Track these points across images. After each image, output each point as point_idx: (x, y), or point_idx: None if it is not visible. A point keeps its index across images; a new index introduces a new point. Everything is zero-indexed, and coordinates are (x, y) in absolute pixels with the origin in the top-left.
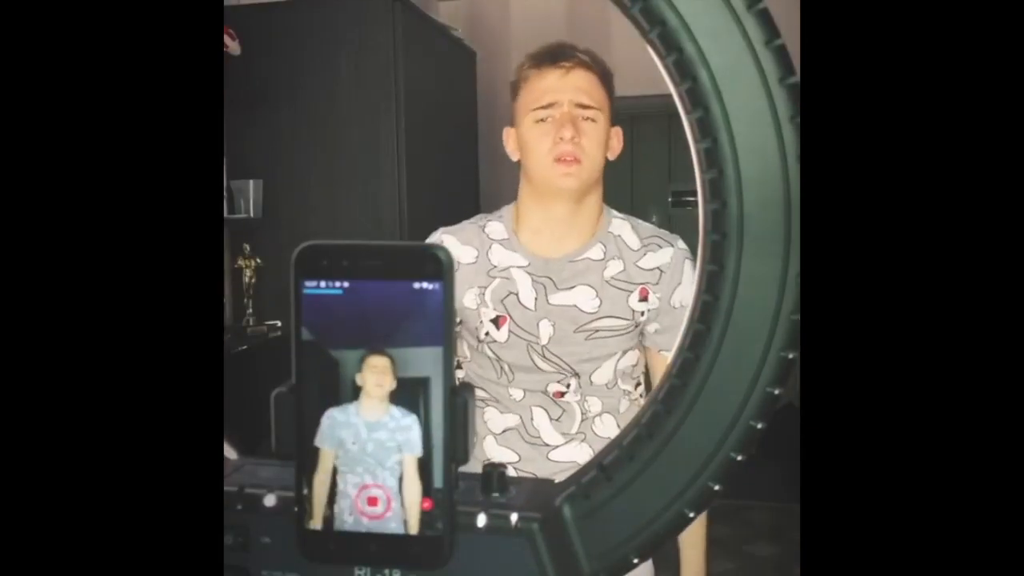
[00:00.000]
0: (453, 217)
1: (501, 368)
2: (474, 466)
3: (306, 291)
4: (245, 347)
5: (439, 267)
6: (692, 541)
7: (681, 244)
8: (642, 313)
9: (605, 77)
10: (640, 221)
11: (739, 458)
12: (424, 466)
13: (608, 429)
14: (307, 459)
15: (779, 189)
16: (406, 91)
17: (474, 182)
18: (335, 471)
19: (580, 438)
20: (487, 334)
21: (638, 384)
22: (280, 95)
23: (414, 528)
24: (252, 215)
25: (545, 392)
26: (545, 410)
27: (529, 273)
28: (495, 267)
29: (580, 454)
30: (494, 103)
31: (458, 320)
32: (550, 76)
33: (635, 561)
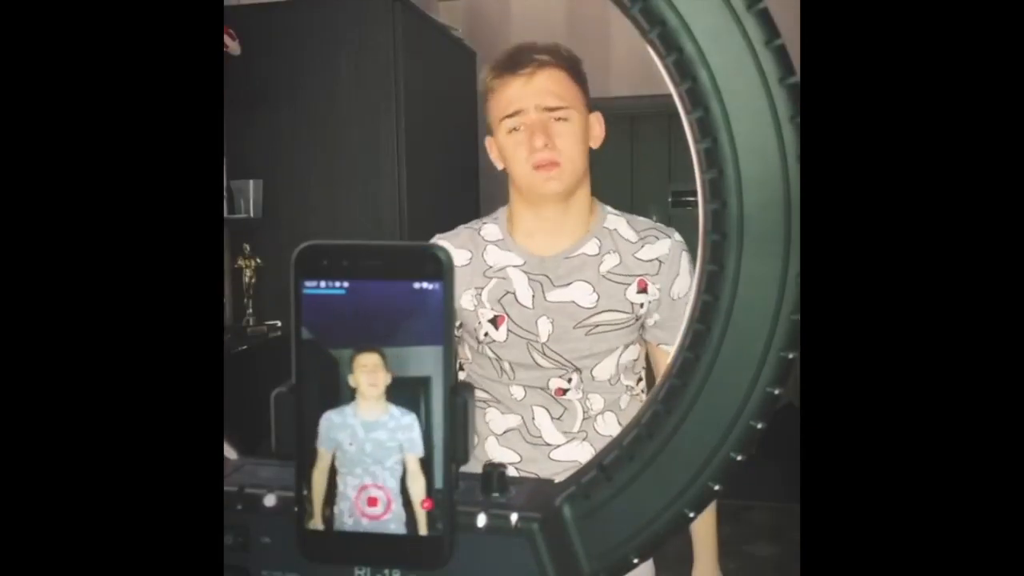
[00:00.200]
0: (453, 217)
1: (501, 367)
2: (475, 466)
3: (306, 291)
4: (245, 347)
5: (439, 267)
6: (704, 531)
7: (677, 236)
8: (641, 305)
9: (573, 69)
10: (635, 216)
11: (739, 458)
12: (424, 466)
13: (610, 427)
14: (307, 459)
15: (779, 189)
16: (406, 91)
17: (474, 182)
18: (335, 471)
19: (582, 437)
20: (486, 334)
21: (640, 379)
22: (280, 95)
23: (423, 528)
24: (252, 215)
25: (546, 389)
26: (546, 409)
27: (525, 272)
28: (491, 267)
29: (582, 453)
30: None
31: (458, 323)
32: (513, 84)
33: (635, 561)
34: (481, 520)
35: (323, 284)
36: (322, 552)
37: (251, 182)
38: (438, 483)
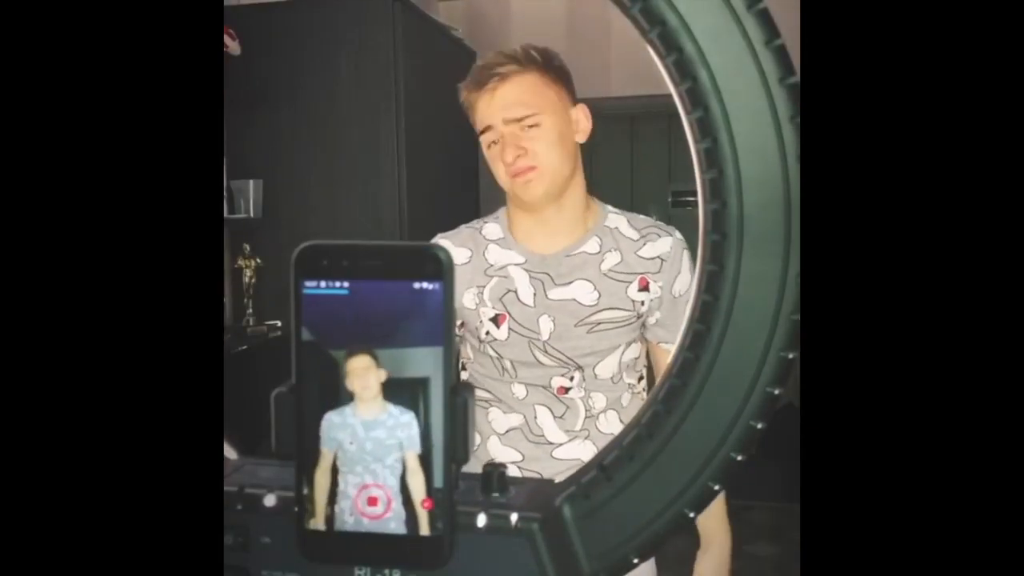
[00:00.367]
0: (453, 217)
1: (503, 366)
2: (477, 466)
3: (306, 291)
4: (245, 347)
5: (439, 267)
6: (716, 519)
7: (678, 234)
8: (642, 303)
9: (547, 69)
10: (635, 215)
11: (739, 458)
12: (424, 463)
13: (612, 426)
14: (307, 459)
15: (779, 189)
16: (406, 91)
17: (474, 182)
18: (336, 471)
19: (584, 435)
20: (487, 333)
21: (641, 377)
22: (280, 95)
23: (423, 528)
24: (252, 215)
25: (548, 388)
26: (548, 408)
27: (526, 270)
28: (492, 266)
29: (584, 451)
30: None
31: (460, 323)
32: (480, 101)
33: (635, 561)
34: (481, 520)
35: (323, 284)
36: (322, 552)
37: (251, 182)
38: (438, 482)
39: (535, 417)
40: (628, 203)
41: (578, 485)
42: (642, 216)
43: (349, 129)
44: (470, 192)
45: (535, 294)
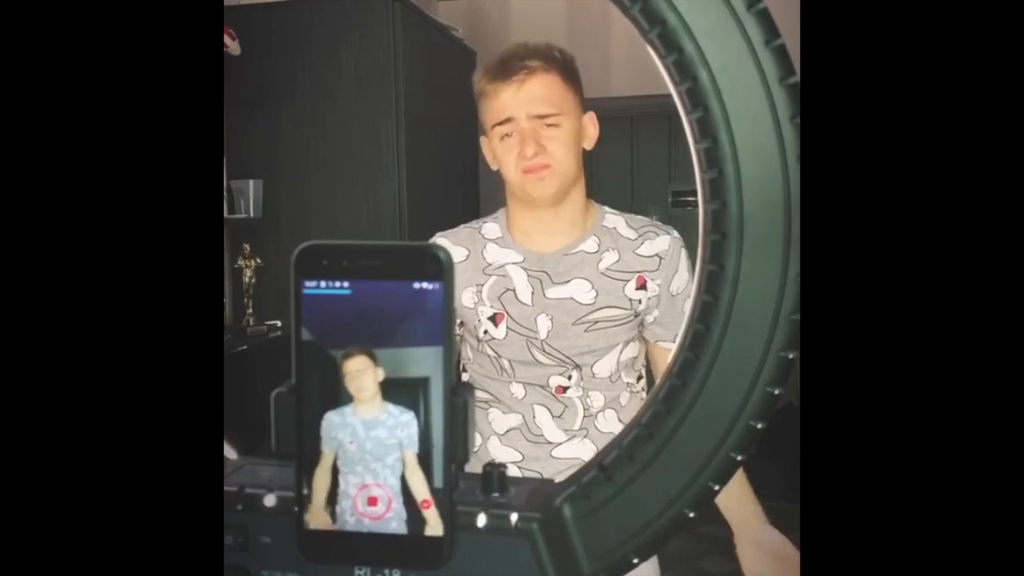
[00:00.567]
0: (453, 217)
1: (501, 365)
2: (477, 466)
3: (306, 291)
4: (245, 347)
5: (439, 267)
6: (739, 500)
7: (676, 233)
8: (640, 301)
9: (566, 71)
10: (632, 215)
11: (739, 458)
12: (423, 462)
13: (611, 425)
14: (307, 459)
15: (779, 189)
16: (406, 91)
17: (474, 182)
18: (336, 471)
19: (583, 434)
20: (486, 332)
21: (640, 376)
22: (280, 95)
23: (423, 527)
24: (252, 215)
25: (546, 387)
26: (547, 408)
27: (525, 269)
28: (490, 264)
29: (583, 450)
30: None
31: (459, 322)
32: (505, 92)
33: (635, 561)
34: (481, 520)
35: (323, 284)
36: (322, 552)
37: (251, 182)
38: (438, 482)
39: (534, 417)
40: (628, 203)
41: (578, 485)
42: (639, 216)
43: (349, 129)
44: (470, 192)
45: (533, 293)
